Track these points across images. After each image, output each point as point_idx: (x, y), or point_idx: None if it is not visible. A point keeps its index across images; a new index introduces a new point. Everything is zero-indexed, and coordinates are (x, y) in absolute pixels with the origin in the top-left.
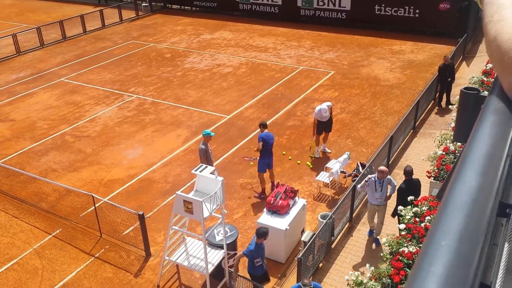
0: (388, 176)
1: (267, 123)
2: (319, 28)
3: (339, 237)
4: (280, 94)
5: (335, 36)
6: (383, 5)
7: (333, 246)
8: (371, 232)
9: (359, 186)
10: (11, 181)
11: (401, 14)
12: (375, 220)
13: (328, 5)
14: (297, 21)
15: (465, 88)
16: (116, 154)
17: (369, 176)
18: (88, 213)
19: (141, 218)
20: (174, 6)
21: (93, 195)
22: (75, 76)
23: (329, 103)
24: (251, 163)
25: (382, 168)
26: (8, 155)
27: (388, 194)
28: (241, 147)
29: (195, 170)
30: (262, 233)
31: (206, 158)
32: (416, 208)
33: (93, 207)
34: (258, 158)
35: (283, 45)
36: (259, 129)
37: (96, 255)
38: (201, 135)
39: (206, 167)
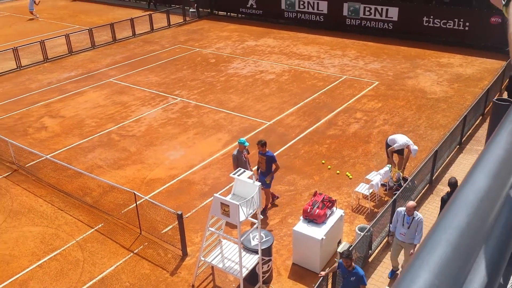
0: (419, 216)
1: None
2: (365, 38)
3: (376, 251)
4: (322, 102)
5: (380, 47)
6: (431, 16)
7: (370, 259)
8: (392, 273)
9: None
10: (59, 175)
11: (450, 26)
12: (400, 260)
13: (374, 15)
14: (342, 30)
15: (497, 99)
16: (159, 154)
17: (399, 209)
18: (129, 209)
19: (180, 218)
20: (221, 13)
21: (135, 192)
22: (123, 77)
23: (409, 142)
24: (329, 166)
25: (410, 204)
26: (57, 150)
27: (415, 241)
28: (281, 154)
29: (234, 174)
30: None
31: (236, 165)
32: None
33: (135, 204)
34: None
35: (327, 54)
36: (258, 146)
37: (135, 251)
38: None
39: (244, 171)
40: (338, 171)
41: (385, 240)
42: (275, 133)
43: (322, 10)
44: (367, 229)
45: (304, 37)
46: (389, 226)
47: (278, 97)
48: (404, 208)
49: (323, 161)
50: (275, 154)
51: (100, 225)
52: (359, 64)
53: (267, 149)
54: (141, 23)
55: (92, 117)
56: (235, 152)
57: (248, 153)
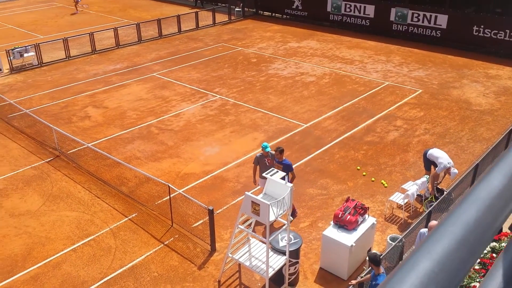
0: None
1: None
2: (411, 45)
3: None
4: (362, 108)
5: (426, 54)
6: (482, 26)
7: None
8: None
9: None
10: (98, 163)
11: (501, 37)
12: None
13: (423, 22)
14: (388, 36)
15: None
16: (195, 150)
17: (422, 230)
18: (163, 201)
19: (211, 213)
20: (266, 13)
21: (170, 185)
22: (166, 73)
23: (450, 164)
24: (364, 173)
25: (432, 223)
26: (98, 139)
27: None
28: (315, 157)
29: (266, 174)
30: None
31: (255, 166)
32: (494, 243)
33: (168, 197)
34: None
35: (370, 59)
36: (274, 153)
37: (165, 243)
38: (276, 140)
39: (277, 172)
40: (373, 179)
41: None
42: (311, 136)
43: (369, 14)
44: (399, 239)
45: (348, 41)
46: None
47: (317, 100)
48: (426, 230)
49: (359, 167)
50: (309, 156)
51: (133, 215)
52: (403, 71)
53: (284, 157)
54: (187, 20)
55: (133, 110)
56: (258, 154)
57: (272, 159)
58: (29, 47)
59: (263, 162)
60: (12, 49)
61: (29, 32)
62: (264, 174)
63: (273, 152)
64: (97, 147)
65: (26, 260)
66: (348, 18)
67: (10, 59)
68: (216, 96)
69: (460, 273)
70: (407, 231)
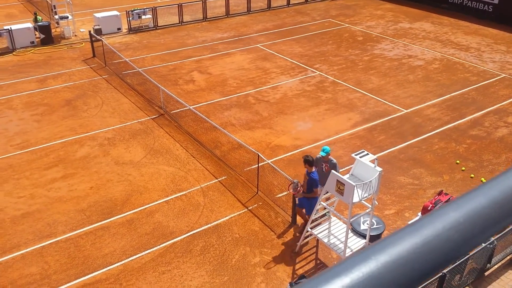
0: None
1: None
2: None
3: (496, 266)
4: (471, 99)
5: None
6: None
7: (486, 273)
8: None
9: None
10: (197, 125)
11: None
12: None
13: None
14: None
15: None
16: (288, 123)
17: None
18: (251, 169)
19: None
20: None
21: (259, 154)
22: (270, 45)
23: None
24: (463, 168)
25: None
26: (199, 103)
27: None
28: (411, 145)
29: (356, 155)
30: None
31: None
32: None
33: (257, 165)
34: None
35: (488, 47)
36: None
37: (249, 208)
38: (372, 123)
39: (367, 154)
40: (472, 175)
41: (509, 257)
42: (410, 123)
43: (493, 0)
44: (490, 241)
45: (466, 26)
46: None
47: (422, 86)
48: None
49: (458, 161)
50: (405, 143)
51: (223, 177)
52: None
53: (313, 169)
54: None
55: (234, 78)
56: (318, 156)
57: (330, 167)
58: (147, 9)
59: (320, 167)
60: (132, 11)
61: None
62: (353, 155)
63: (334, 162)
64: (198, 110)
65: (124, 205)
66: (469, 2)
67: (129, 20)
68: (316, 72)
69: (488, 230)
70: (501, 234)
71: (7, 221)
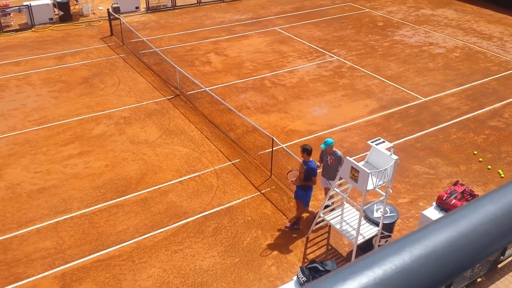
0: None
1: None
2: None
3: (510, 259)
4: (491, 89)
5: None
6: None
7: (499, 266)
8: None
9: None
10: (212, 107)
11: None
12: None
13: None
14: None
15: None
16: (303, 108)
17: None
18: (265, 153)
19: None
20: None
21: (274, 138)
22: (288, 28)
23: None
24: (480, 159)
25: None
26: (215, 85)
27: None
28: (429, 134)
29: (372, 142)
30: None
31: (320, 159)
32: None
33: (271, 149)
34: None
35: (511, 37)
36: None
37: (262, 191)
38: (389, 111)
39: (384, 141)
40: (489, 166)
41: None
42: (428, 111)
43: None
44: None
45: (490, 15)
46: None
47: (442, 74)
48: None
49: (475, 152)
50: (422, 132)
51: (237, 160)
52: None
53: (311, 158)
54: None
55: (251, 61)
56: (324, 147)
57: (334, 160)
58: None
59: (326, 159)
60: None
61: None
62: (368, 142)
63: (339, 154)
64: (214, 92)
65: (138, 184)
66: None
67: None
68: (334, 57)
69: None
70: None
71: (24, 196)
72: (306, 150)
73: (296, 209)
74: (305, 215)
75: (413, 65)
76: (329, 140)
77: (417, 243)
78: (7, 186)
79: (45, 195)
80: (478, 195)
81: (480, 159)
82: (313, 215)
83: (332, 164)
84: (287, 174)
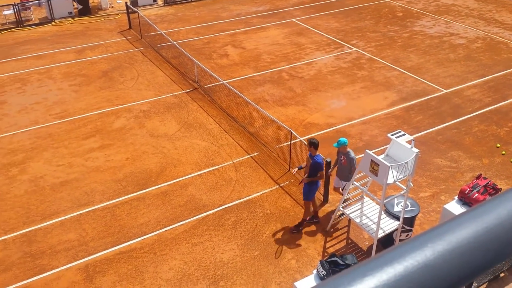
0: None
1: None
2: None
3: None
4: None
5: None
6: None
7: None
8: None
9: None
10: (230, 100)
11: None
12: None
13: None
14: None
15: None
16: (321, 100)
17: None
18: (283, 146)
19: (327, 165)
20: None
21: (292, 131)
22: (305, 19)
23: None
24: (504, 152)
25: None
26: (232, 78)
27: None
28: (450, 127)
29: (392, 135)
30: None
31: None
32: None
33: (289, 142)
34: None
35: None
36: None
37: (281, 185)
38: (409, 103)
39: (404, 134)
40: None
41: None
42: (449, 104)
43: None
44: None
45: None
46: None
47: (464, 65)
48: None
49: (498, 145)
50: (443, 125)
51: (255, 153)
52: None
53: (318, 153)
54: None
55: (268, 53)
56: (336, 145)
57: (347, 161)
58: None
59: (340, 159)
60: None
61: None
62: (389, 135)
63: (352, 155)
64: (231, 85)
65: (159, 177)
66: None
67: None
68: (352, 49)
69: None
70: None
71: (47, 189)
72: (313, 144)
73: (312, 204)
74: (326, 209)
75: (433, 56)
76: (342, 139)
77: (440, 238)
78: (31, 179)
79: (68, 188)
80: (501, 189)
81: (503, 152)
82: (316, 210)
83: (344, 164)
84: (294, 171)
